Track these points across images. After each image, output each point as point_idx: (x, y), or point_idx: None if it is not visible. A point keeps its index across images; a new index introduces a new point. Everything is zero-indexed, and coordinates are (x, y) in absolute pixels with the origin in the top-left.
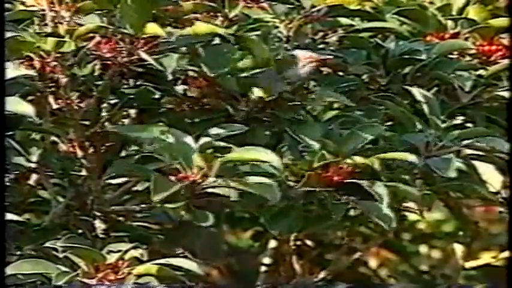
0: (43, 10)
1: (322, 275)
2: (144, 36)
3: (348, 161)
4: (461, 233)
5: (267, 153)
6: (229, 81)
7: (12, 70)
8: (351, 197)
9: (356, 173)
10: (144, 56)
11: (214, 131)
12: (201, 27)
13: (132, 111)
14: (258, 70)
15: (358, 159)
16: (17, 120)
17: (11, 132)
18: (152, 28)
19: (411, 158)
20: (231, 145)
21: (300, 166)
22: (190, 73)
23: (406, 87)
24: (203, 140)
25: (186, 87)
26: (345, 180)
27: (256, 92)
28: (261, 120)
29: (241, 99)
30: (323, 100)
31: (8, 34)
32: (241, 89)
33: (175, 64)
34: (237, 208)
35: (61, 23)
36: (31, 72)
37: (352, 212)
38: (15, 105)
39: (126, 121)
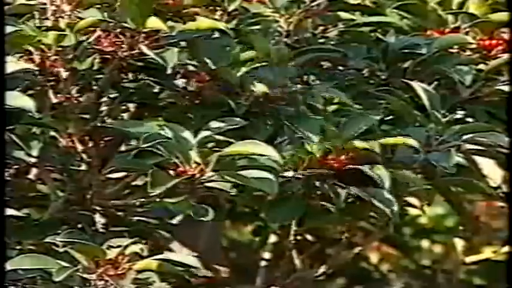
0: (43, 4)
1: (322, 269)
2: (145, 30)
3: (348, 146)
4: (462, 227)
5: (265, 147)
6: (229, 75)
7: (12, 64)
8: (351, 186)
9: (356, 160)
10: (145, 50)
11: (214, 125)
12: (203, 22)
13: (132, 106)
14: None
15: (359, 144)
16: (17, 115)
17: (11, 127)
18: (154, 22)
19: (412, 142)
20: (230, 139)
21: (299, 154)
22: (190, 67)
23: (407, 81)
24: (202, 134)
25: (185, 81)
26: (345, 167)
27: (257, 86)
28: (261, 114)
29: (242, 93)
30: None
31: (9, 28)
32: (241, 83)
33: (176, 58)
34: (237, 202)
35: (62, 17)
36: (31, 66)
37: (352, 203)
38: (16, 99)
39: (125, 115)
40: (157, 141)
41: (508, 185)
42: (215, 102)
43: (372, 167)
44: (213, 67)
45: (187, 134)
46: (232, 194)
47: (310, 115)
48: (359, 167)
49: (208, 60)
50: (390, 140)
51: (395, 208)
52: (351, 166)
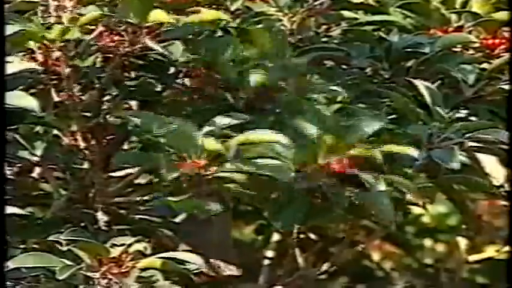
0: (45, 1)
1: (325, 267)
2: (147, 25)
3: (350, 152)
4: (464, 226)
5: (275, 134)
6: (230, 71)
7: (16, 64)
8: (352, 189)
9: (358, 164)
10: (150, 43)
11: (217, 120)
12: (207, 14)
13: (134, 103)
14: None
15: (361, 151)
16: (21, 114)
17: (15, 126)
18: (157, 14)
19: (412, 152)
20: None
21: (301, 156)
22: (192, 63)
23: (409, 79)
24: (205, 129)
25: (187, 77)
26: (346, 171)
27: (256, 79)
28: (261, 109)
29: (241, 89)
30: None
31: (11, 25)
32: (241, 78)
33: (181, 51)
34: (243, 200)
35: (64, 13)
36: (33, 65)
37: (355, 204)
38: (20, 99)
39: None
40: (167, 133)
41: (510, 184)
42: (216, 97)
43: (372, 176)
44: (214, 63)
45: (192, 128)
46: (241, 184)
47: (312, 114)
48: (358, 173)
49: (207, 56)
50: (390, 148)
51: (392, 216)
52: (352, 170)
